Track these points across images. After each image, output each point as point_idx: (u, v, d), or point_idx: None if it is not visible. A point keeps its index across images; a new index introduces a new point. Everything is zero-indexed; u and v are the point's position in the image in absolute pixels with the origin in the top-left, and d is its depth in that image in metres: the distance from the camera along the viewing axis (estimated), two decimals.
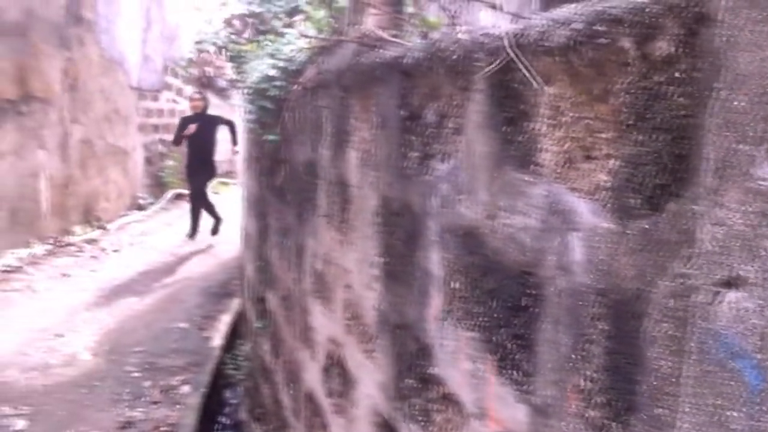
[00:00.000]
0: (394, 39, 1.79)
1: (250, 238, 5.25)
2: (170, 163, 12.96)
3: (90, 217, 9.66)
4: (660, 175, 0.81)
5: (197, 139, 8.70)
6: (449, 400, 1.44)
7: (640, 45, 0.84)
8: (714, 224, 0.70)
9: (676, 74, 0.80)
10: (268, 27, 4.28)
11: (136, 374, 4.68)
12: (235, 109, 17.85)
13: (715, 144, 0.71)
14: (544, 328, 1.07)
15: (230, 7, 5.12)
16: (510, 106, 1.17)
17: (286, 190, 3.45)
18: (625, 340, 0.86)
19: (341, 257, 2.34)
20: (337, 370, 2.41)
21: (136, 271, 7.54)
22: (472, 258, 1.33)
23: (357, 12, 2.16)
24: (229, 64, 4.68)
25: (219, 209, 9.33)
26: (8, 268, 7.09)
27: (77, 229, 9.07)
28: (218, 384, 4.85)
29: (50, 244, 8.21)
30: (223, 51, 4.71)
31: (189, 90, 14.10)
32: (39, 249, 7.92)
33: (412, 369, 1.65)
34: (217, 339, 5.43)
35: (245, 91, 3.87)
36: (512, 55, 1.02)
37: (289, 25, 3.89)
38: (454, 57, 1.33)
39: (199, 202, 9.16)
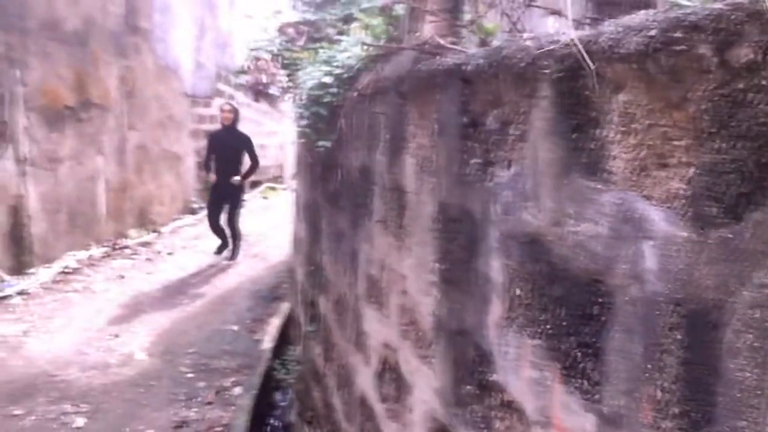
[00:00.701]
0: (454, 46, 1.79)
1: (300, 243, 5.31)
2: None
3: (144, 221, 9.91)
4: (743, 184, 0.79)
5: (225, 156, 8.14)
6: (511, 407, 1.44)
7: (720, 52, 0.83)
8: None
9: (760, 81, 0.78)
10: (321, 35, 4.34)
11: (189, 375, 4.77)
12: (284, 115, 18.13)
13: None
14: (614, 337, 1.06)
15: (284, 16, 5.20)
16: (578, 113, 1.16)
17: (339, 195, 3.48)
18: (703, 350, 0.85)
19: (397, 263, 2.35)
20: (391, 374, 2.42)
21: (189, 274, 7.71)
22: (536, 265, 1.33)
23: (414, 20, 2.18)
24: (283, 72, 4.75)
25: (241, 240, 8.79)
26: (68, 270, 7.33)
27: (132, 232, 9.32)
28: (268, 386, 4.90)
29: (107, 246, 8.46)
30: (278, 58, 4.79)
31: (240, 96, 14.39)
32: (97, 251, 8.16)
33: (472, 375, 1.65)
34: (267, 342, 5.49)
35: (299, 98, 3.92)
36: (587, 61, 1.01)
37: (343, 33, 3.92)
38: (520, 64, 1.33)
39: (232, 228, 8.58)
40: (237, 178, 8.18)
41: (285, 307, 6.40)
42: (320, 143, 3.49)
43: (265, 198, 15.25)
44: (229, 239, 8.53)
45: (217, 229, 8.44)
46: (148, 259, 8.41)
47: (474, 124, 1.66)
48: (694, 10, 0.87)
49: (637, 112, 1.01)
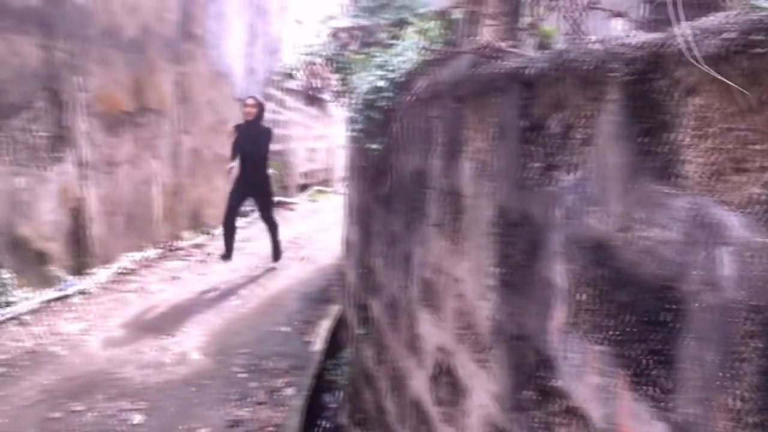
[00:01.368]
0: (514, 50, 1.79)
1: (352, 246, 5.34)
2: (270, 171, 13.37)
3: (197, 223, 10.12)
4: None
5: (249, 152, 7.87)
6: (574, 414, 1.43)
7: None
8: None
9: None
10: (374, 39, 4.37)
11: (242, 375, 4.84)
12: (333, 119, 18.29)
13: None
14: (686, 344, 1.04)
15: (337, 21, 5.26)
16: (648, 117, 1.15)
17: (392, 199, 3.49)
18: None
19: (452, 266, 2.35)
20: (446, 378, 2.42)
21: (240, 275, 7.83)
22: (601, 270, 1.31)
23: (472, 23, 2.17)
24: (335, 76, 4.81)
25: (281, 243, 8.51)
26: (124, 270, 7.54)
27: (186, 234, 9.53)
28: (318, 388, 4.95)
29: (161, 248, 8.67)
30: (330, 63, 4.85)
31: (290, 101, 14.57)
32: (151, 252, 8.38)
33: (532, 380, 1.64)
34: (318, 344, 5.54)
35: (352, 102, 3.95)
36: (702, 65, 1.00)
37: (396, 37, 3.94)
38: (586, 67, 1.32)
39: (268, 225, 8.36)
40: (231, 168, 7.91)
41: (335, 309, 6.45)
42: (373, 147, 3.51)
43: (313, 201, 15.41)
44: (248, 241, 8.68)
45: (230, 228, 8.10)
46: (201, 261, 8.59)
47: (535, 127, 1.65)
48: None
49: (712, 116, 0.99)
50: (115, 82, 7.57)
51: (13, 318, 5.67)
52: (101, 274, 7.10)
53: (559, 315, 1.49)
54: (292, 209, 13.67)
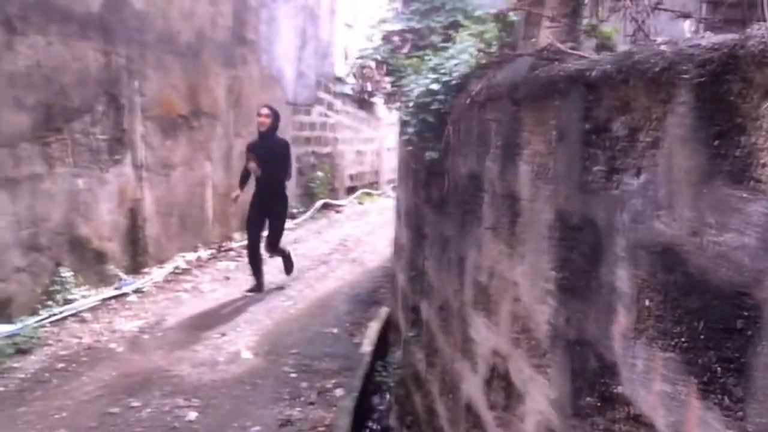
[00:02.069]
0: (576, 52, 1.77)
1: (402, 248, 5.35)
2: (319, 174, 13.54)
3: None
4: None
5: (265, 170, 6.93)
6: (639, 421, 1.40)
7: None
8: None
9: None
10: (426, 42, 4.37)
11: (293, 375, 4.90)
12: (381, 122, 18.36)
13: None
14: (762, 352, 1.01)
15: (389, 24, 5.28)
16: (721, 119, 1.12)
17: (445, 201, 3.49)
18: None
19: (508, 270, 2.33)
20: (501, 383, 2.41)
21: (290, 277, 7.92)
22: (669, 276, 1.29)
23: (530, 25, 2.16)
24: (387, 79, 4.83)
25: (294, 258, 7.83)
26: (178, 270, 7.72)
27: (236, 235, 9.69)
28: (367, 389, 4.97)
29: (214, 248, 8.84)
30: (382, 66, 4.87)
31: (339, 104, 14.69)
32: (204, 253, 8.56)
33: (593, 386, 1.62)
34: (367, 345, 5.57)
35: (404, 105, 3.97)
36: None
37: (448, 40, 3.94)
38: (655, 68, 1.30)
39: (272, 251, 7.54)
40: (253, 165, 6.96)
41: (383, 311, 6.48)
42: (426, 150, 3.51)
43: (360, 203, 15.50)
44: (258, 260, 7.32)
45: (255, 258, 7.25)
46: None
47: (597, 130, 1.63)
48: None
49: None
50: (170, 87, 7.76)
51: (72, 315, 5.87)
52: (156, 274, 7.29)
53: (623, 320, 1.47)
54: (339, 211, 13.77)
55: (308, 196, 13.07)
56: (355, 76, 5.02)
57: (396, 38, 4.91)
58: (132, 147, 7.07)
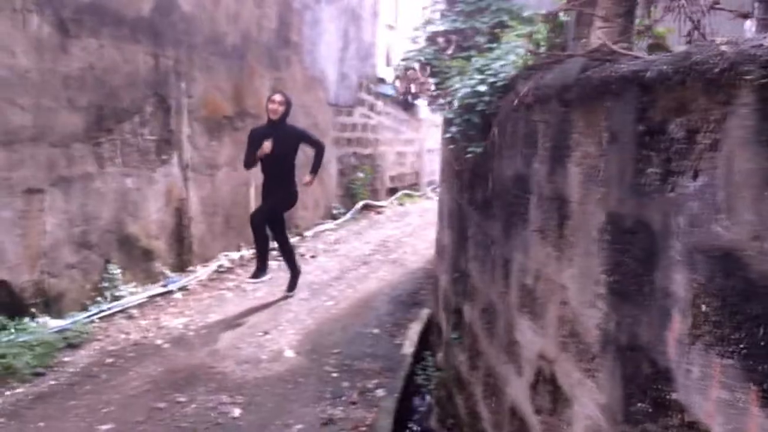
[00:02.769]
0: (630, 52, 1.74)
1: (444, 250, 5.34)
2: (360, 175, 13.60)
3: (289, 225, 10.37)
4: None
5: (272, 157, 6.46)
6: (694, 429, 1.37)
7: None
8: None
9: None
10: (470, 43, 4.36)
11: (335, 374, 4.93)
12: (422, 124, 18.35)
13: None
14: None
15: (432, 24, 5.28)
16: None
17: (489, 203, 3.47)
18: None
19: (555, 273, 2.31)
20: (547, 387, 2.38)
21: (331, 277, 7.98)
22: (728, 281, 1.26)
23: (582, 25, 2.14)
24: (431, 80, 4.83)
25: (298, 258, 7.34)
26: (222, 269, 7.84)
27: None
28: (408, 390, 4.97)
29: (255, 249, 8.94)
30: (426, 68, 4.88)
31: (380, 105, 14.73)
32: (247, 252, 8.65)
33: (645, 392, 1.59)
34: (408, 346, 5.57)
35: (449, 106, 3.96)
36: None
37: (494, 41, 3.92)
38: (714, 69, 1.27)
39: (278, 240, 7.03)
40: (310, 177, 6.94)
41: (424, 312, 6.47)
42: (471, 151, 3.50)
43: (401, 205, 15.51)
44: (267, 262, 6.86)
45: (264, 244, 6.79)
46: None
47: (652, 132, 1.60)
48: None
49: None
50: (216, 88, 7.89)
51: (120, 311, 6.00)
52: (200, 272, 7.42)
53: (678, 326, 1.44)
54: (380, 212, 13.81)
55: (349, 197, 13.14)
56: (399, 77, 5.03)
57: (440, 39, 4.90)
58: (179, 147, 7.21)
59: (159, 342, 5.42)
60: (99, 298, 5.95)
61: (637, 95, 1.66)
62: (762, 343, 1.15)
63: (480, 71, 3.41)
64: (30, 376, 4.54)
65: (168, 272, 7.01)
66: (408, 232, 11.59)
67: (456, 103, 3.62)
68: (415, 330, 6.00)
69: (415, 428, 4.97)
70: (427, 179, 19.31)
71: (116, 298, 6.09)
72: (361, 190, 13.56)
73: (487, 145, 3.34)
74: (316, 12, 11.05)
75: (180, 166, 7.25)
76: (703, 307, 1.34)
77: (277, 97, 6.56)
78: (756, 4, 2.53)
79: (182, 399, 4.34)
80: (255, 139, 6.54)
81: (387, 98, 15.05)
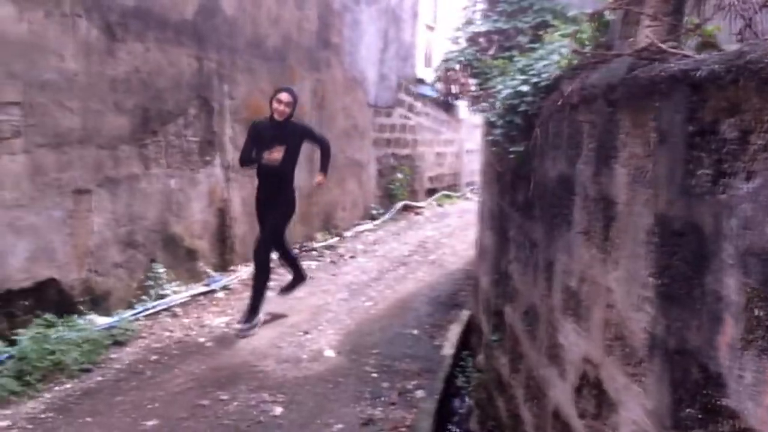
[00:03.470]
0: (679, 51, 1.71)
1: (485, 251, 5.31)
2: (399, 176, 13.61)
3: (329, 225, 10.45)
4: None
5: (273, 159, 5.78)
6: None
7: None
8: None
9: None
10: (512, 43, 4.33)
11: (374, 374, 4.94)
12: (461, 124, 18.28)
13: None
14: None
15: (473, 25, 5.26)
16: None
17: (532, 204, 3.44)
18: None
19: (601, 275, 2.28)
20: (591, 391, 2.35)
21: (370, 278, 8.01)
22: None
23: (628, 24, 2.10)
24: (472, 81, 4.81)
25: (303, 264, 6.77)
26: None
27: (318, 235, 9.88)
28: (448, 392, 4.95)
29: (296, 248, 9.02)
30: (468, 68, 4.86)
31: (419, 106, 14.73)
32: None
33: (695, 398, 1.56)
34: (448, 348, 5.55)
35: (490, 107, 3.94)
36: None
37: (536, 41, 3.88)
38: None
39: (279, 251, 6.40)
40: (320, 178, 6.33)
41: (464, 314, 6.44)
42: (513, 152, 3.47)
43: (440, 205, 15.47)
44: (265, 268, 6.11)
45: (265, 281, 6.07)
46: (332, 262, 8.87)
47: (703, 132, 1.57)
48: None
49: None
50: (258, 90, 7.98)
51: (165, 309, 6.12)
52: (242, 272, 7.51)
53: (730, 330, 1.41)
54: (419, 213, 13.80)
55: (388, 198, 13.17)
56: (439, 78, 5.01)
57: (482, 40, 4.88)
58: (221, 149, 7.31)
59: (202, 340, 5.51)
60: (144, 297, 6.08)
61: (688, 95, 1.63)
62: None
63: (522, 71, 3.39)
64: (78, 372, 4.66)
65: (211, 271, 7.12)
66: (447, 233, 11.56)
67: (498, 104, 3.60)
68: (454, 331, 5.98)
69: (454, 430, 4.95)
70: (466, 180, 19.22)
71: (160, 297, 6.22)
72: (400, 191, 13.57)
73: (529, 145, 3.31)
74: (356, 13, 11.10)
75: (222, 167, 7.36)
76: (757, 312, 1.31)
77: (284, 96, 5.82)
78: None
79: (225, 397, 4.40)
80: (256, 135, 5.88)
81: (426, 99, 15.03)
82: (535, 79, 3.21)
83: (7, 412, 4.07)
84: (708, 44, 1.99)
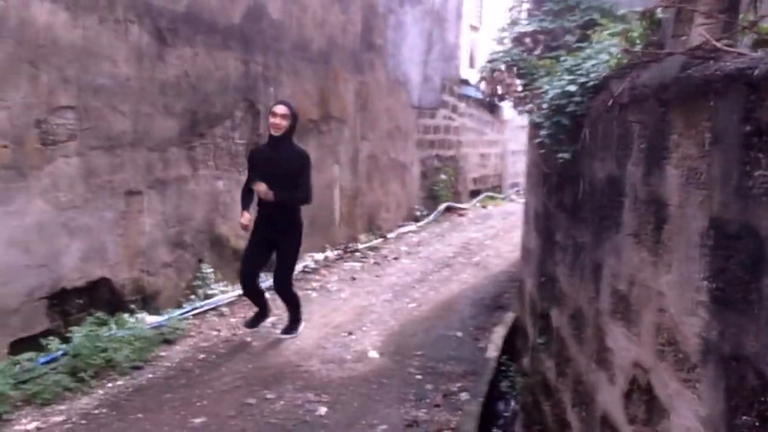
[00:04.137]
0: (735, 49, 1.67)
1: (530, 253, 5.26)
2: (443, 177, 13.58)
3: (372, 227, 10.49)
4: None
5: (273, 179, 5.16)
6: None
7: None
8: None
9: None
10: (559, 42, 4.27)
11: (418, 376, 4.94)
12: (505, 125, 18.14)
13: None
14: None
15: (519, 25, 5.22)
16: None
17: (579, 206, 3.39)
18: None
19: (652, 279, 2.24)
20: (642, 396, 2.31)
21: (414, 279, 8.00)
22: None
23: (681, 22, 2.06)
24: (518, 81, 4.77)
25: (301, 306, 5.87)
26: (307, 270, 8.00)
27: (362, 236, 9.92)
28: (492, 394, 4.92)
29: (340, 249, 9.09)
30: (513, 68, 4.82)
31: (463, 107, 14.67)
32: (331, 253, 8.81)
33: (752, 405, 1.52)
34: (492, 350, 5.51)
35: (537, 107, 3.90)
36: None
37: (584, 40, 3.83)
38: None
39: (281, 294, 5.69)
40: (263, 187, 5.16)
41: (509, 316, 6.39)
42: (560, 153, 3.43)
43: (484, 207, 15.37)
44: (268, 305, 5.80)
45: (254, 289, 5.61)
46: (376, 263, 8.89)
47: (760, 132, 1.53)
48: None
49: None
50: (303, 92, 8.07)
51: (212, 309, 6.23)
52: None
53: None
54: (462, 215, 13.74)
55: (431, 199, 13.15)
56: (484, 79, 4.97)
57: (527, 40, 4.84)
58: None
59: (248, 339, 5.59)
60: (192, 296, 6.20)
61: (744, 94, 1.59)
62: None
63: (570, 71, 3.35)
64: (129, 370, 4.78)
65: None
66: (491, 235, 11.48)
67: (544, 105, 3.56)
68: (499, 334, 5.94)
69: None
70: (510, 181, 19.06)
71: (208, 296, 6.33)
72: (444, 192, 13.53)
73: (577, 146, 3.26)
74: (399, 15, 11.12)
75: None
76: None
77: (279, 109, 5.31)
78: None
79: (271, 396, 4.46)
80: (255, 162, 5.44)
81: (470, 100, 14.96)
82: (583, 79, 3.17)
83: (62, 407, 4.20)
84: (764, 42, 1.93)
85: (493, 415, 4.97)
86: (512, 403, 5.12)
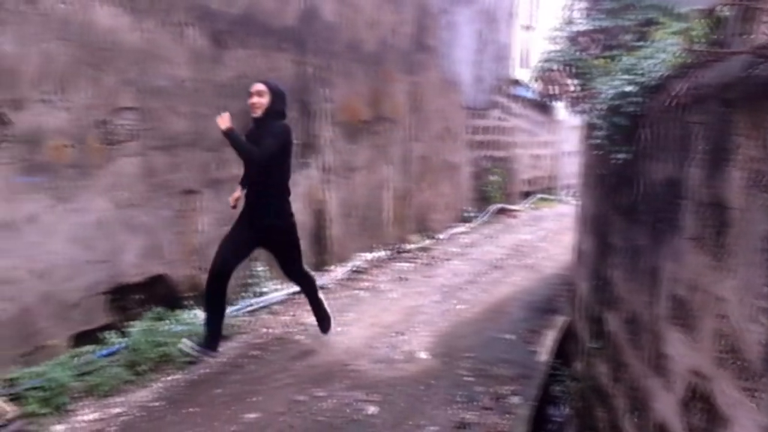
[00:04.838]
0: None
1: (584, 256, 5.17)
2: (493, 178, 13.47)
3: (422, 227, 10.48)
4: None
5: (254, 170, 4.90)
6: None
7: None
8: None
9: None
10: (617, 42, 4.19)
11: (468, 378, 4.91)
12: (558, 126, 17.88)
13: None
14: None
15: (575, 24, 5.13)
16: None
17: (636, 209, 3.32)
18: None
19: (713, 284, 2.17)
20: (700, 404, 2.25)
21: (464, 280, 7.96)
22: None
23: (746, 21, 1.99)
24: (573, 82, 4.70)
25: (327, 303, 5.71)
26: (357, 269, 8.05)
27: (412, 237, 9.92)
28: (544, 399, 4.85)
29: (390, 249, 9.11)
30: (569, 68, 4.75)
31: (515, 107, 14.52)
32: (381, 253, 8.85)
33: None
34: (544, 354, 5.44)
35: (592, 108, 3.83)
36: None
37: (642, 39, 3.74)
38: None
39: (298, 281, 5.52)
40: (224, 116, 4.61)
41: (561, 320, 6.29)
42: (617, 154, 3.36)
43: (536, 209, 15.19)
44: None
45: (214, 295, 4.88)
46: (426, 264, 8.88)
47: None
48: None
49: None
50: (355, 93, 8.12)
51: (264, 307, 6.33)
52: (338, 272, 7.66)
53: None
54: (514, 216, 13.60)
55: (482, 200, 13.06)
56: (538, 79, 4.91)
57: (583, 39, 4.75)
58: (319, 151, 7.48)
59: (299, 337, 5.65)
60: (245, 294, 6.31)
61: None
62: None
63: (627, 71, 3.28)
64: (184, 364, 4.89)
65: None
66: (543, 237, 11.34)
67: (601, 105, 3.49)
68: (551, 337, 5.85)
69: None
70: (563, 183, 18.78)
71: (260, 295, 6.43)
72: (495, 194, 13.43)
73: (634, 147, 3.19)
74: (452, 15, 11.08)
75: (320, 169, 7.53)
76: None
77: (257, 87, 4.90)
78: None
79: (320, 393, 4.50)
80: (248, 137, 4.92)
81: (523, 100, 14.80)
82: (641, 79, 3.10)
83: (120, 399, 4.33)
84: None
85: (544, 420, 4.90)
86: (564, 407, 5.04)
